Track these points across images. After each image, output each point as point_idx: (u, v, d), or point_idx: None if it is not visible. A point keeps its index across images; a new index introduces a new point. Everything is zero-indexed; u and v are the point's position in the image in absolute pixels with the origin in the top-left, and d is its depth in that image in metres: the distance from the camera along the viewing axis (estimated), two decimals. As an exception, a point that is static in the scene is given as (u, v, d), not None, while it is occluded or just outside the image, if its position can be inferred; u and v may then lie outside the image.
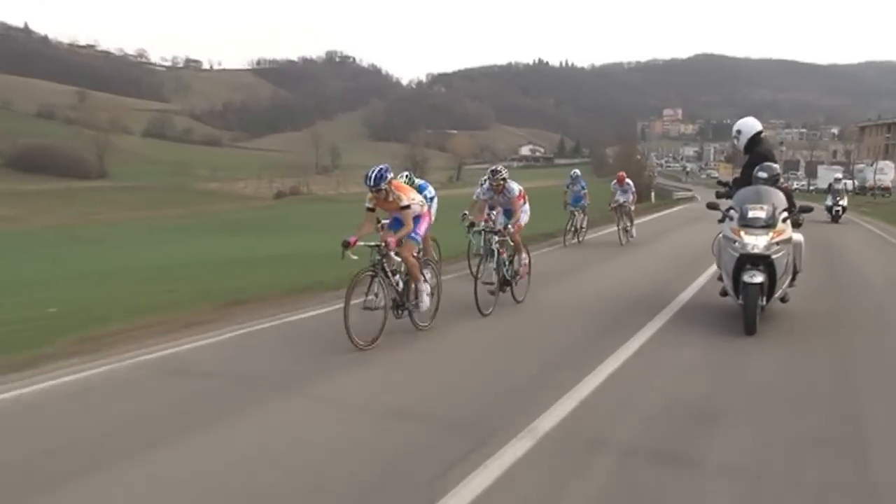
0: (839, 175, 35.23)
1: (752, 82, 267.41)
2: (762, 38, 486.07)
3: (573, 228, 18.51)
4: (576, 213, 18.54)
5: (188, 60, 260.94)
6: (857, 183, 65.99)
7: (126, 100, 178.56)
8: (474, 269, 9.45)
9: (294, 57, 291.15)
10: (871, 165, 73.51)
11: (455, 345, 7.44)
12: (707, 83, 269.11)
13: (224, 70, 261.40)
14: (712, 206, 8.86)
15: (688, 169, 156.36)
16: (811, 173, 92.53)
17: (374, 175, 7.45)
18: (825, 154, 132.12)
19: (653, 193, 51.01)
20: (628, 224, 19.27)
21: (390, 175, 7.58)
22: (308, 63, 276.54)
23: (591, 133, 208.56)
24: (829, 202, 29.23)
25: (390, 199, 7.62)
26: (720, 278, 8.79)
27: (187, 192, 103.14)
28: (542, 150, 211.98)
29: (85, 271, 19.14)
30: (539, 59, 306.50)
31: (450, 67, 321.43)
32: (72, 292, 11.73)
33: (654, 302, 9.63)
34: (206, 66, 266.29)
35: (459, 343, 7.53)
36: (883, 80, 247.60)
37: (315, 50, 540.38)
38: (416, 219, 7.93)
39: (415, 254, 7.90)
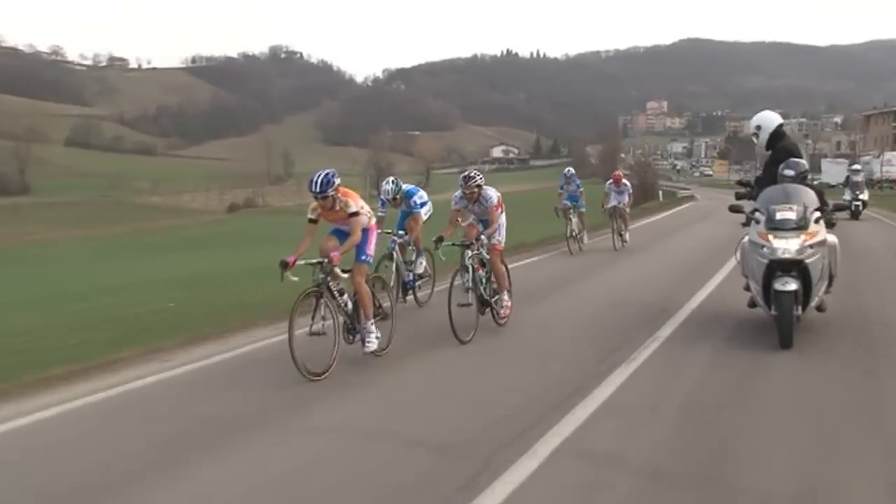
0: (858, 166, 35.90)
1: (744, 68, 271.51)
2: (753, 19, 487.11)
3: (573, 234, 18.77)
4: (571, 216, 18.75)
5: (112, 58, 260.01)
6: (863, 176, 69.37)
7: (41, 104, 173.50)
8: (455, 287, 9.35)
9: (233, 53, 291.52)
10: (878, 157, 76.33)
11: (421, 378, 7.36)
12: (694, 72, 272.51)
13: (154, 69, 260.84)
14: (735, 209, 8.99)
15: (678, 167, 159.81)
16: (814, 167, 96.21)
17: (319, 180, 7.47)
18: (828, 146, 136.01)
19: (660, 192, 55.38)
20: (623, 228, 19.80)
21: (337, 180, 7.57)
22: (250, 60, 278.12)
23: (569, 130, 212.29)
24: (847, 196, 30.26)
25: (337, 207, 7.63)
26: (747, 287, 8.89)
27: (127, 207, 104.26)
28: (516, 150, 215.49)
29: (96, 286, 21.00)
30: (507, 50, 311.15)
31: (409, 62, 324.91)
32: (141, 296, 13.76)
33: (667, 313, 9.86)
34: (133, 64, 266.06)
35: (427, 375, 7.45)
36: (889, 61, 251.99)
37: (257, 45, 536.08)
38: (366, 233, 7.92)
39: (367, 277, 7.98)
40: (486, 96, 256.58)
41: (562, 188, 19.19)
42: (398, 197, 10.73)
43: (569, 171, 19.67)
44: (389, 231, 10.78)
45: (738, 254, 9.10)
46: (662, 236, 23.33)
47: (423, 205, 10.97)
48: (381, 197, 10.89)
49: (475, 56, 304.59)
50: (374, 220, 8.18)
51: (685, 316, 9.77)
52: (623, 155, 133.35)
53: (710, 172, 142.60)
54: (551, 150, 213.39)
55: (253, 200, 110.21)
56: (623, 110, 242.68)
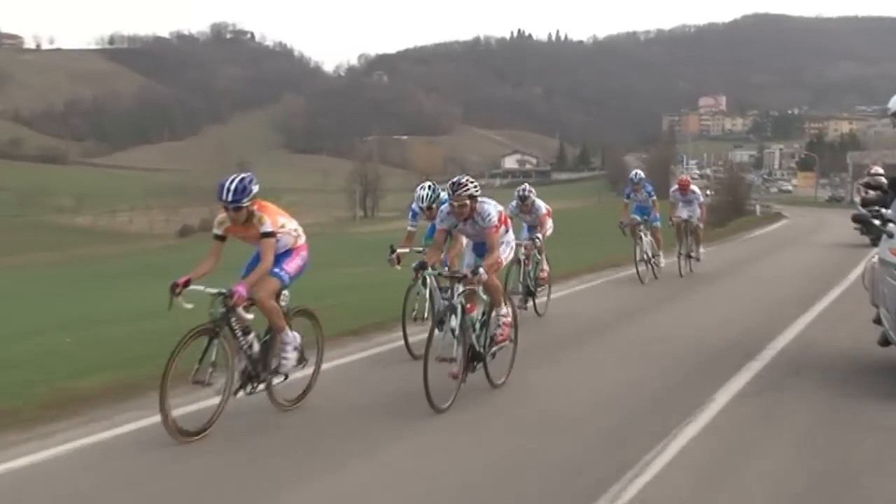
0: None
1: (828, 53, 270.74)
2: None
3: (645, 257, 19.21)
4: (642, 233, 19.11)
5: (1, 36, 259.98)
6: None
7: None
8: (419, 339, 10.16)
9: (164, 32, 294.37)
10: None
11: (362, 471, 6.77)
12: (761, 57, 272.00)
13: (59, 51, 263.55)
14: (861, 220, 9.27)
15: (748, 181, 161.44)
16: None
17: (233, 187, 7.74)
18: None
19: (758, 207, 65.08)
20: (693, 247, 20.80)
21: (255, 188, 7.83)
22: (185, 41, 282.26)
23: (600, 134, 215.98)
24: None
25: (252, 221, 7.93)
26: (877, 320, 9.21)
27: (49, 230, 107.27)
28: (535, 160, 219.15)
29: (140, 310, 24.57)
30: (519, 31, 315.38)
31: (393, 46, 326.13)
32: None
33: (748, 356, 10.34)
34: (29, 44, 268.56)
35: (370, 465, 6.88)
36: None
37: (194, 22, 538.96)
38: (286, 255, 8.34)
39: (279, 300, 8.34)
40: (493, 91, 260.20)
41: (628, 196, 19.46)
42: (434, 206, 10.64)
43: (636, 174, 20.00)
44: (420, 249, 11.18)
45: (866, 278, 9.59)
46: (756, 258, 25.88)
47: None
48: (413, 206, 11.37)
49: (478, 39, 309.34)
50: (302, 240, 8.53)
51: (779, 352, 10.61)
52: (673, 167, 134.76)
53: (790, 187, 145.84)
54: (579, 159, 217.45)
55: (210, 222, 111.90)
56: (669, 108, 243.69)
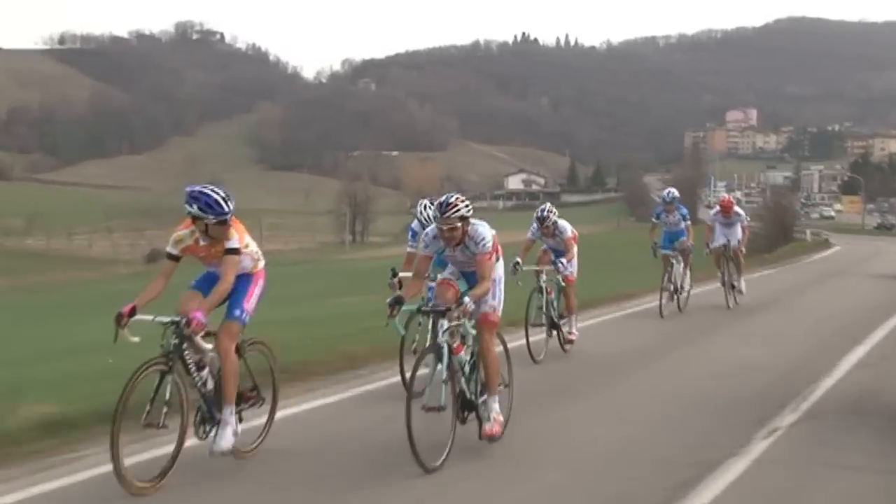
0: None
1: (873, 61, 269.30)
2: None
3: (672, 286, 19.33)
4: (673, 259, 19.30)
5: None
6: None
7: None
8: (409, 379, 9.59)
9: (122, 31, 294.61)
10: None
11: None
12: (797, 66, 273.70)
13: (2, 51, 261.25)
14: None
15: (784, 204, 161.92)
16: None
17: (221, 194, 7.70)
18: None
19: (808, 232, 69.61)
20: (735, 275, 20.97)
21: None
22: (146, 42, 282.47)
23: (615, 152, 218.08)
24: None
25: (218, 237, 7.84)
26: None
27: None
28: (543, 180, 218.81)
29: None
30: (524, 35, 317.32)
31: (381, 50, 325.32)
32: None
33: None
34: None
35: None
36: None
37: (156, 21, 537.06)
38: (246, 280, 8.20)
39: (241, 344, 8.22)
40: (494, 102, 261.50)
41: (657, 217, 19.79)
42: None
43: (669, 193, 20.03)
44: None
45: None
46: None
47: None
48: (413, 226, 11.58)
49: (477, 43, 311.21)
50: (261, 265, 8.40)
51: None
52: (698, 190, 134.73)
53: (832, 213, 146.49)
54: (592, 180, 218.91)
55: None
56: (692, 123, 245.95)
